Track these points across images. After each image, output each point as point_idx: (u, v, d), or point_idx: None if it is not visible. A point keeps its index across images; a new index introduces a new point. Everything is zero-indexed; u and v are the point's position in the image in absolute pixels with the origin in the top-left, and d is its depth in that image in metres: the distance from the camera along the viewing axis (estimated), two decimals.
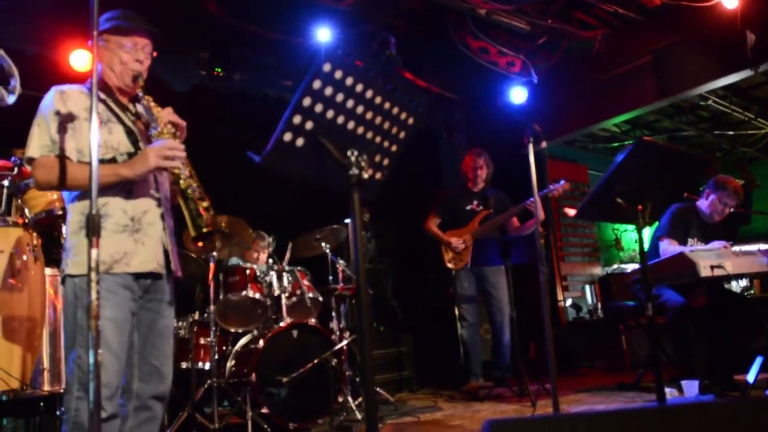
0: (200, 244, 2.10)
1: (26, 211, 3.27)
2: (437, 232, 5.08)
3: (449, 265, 5.00)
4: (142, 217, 2.09)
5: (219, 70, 5.45)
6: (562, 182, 4.63)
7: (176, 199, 2.26)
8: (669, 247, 4.12)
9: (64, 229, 3.33)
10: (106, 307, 1.92)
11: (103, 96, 2.16)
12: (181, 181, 2.06)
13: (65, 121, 2.01)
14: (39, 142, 2.01)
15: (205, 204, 2.06)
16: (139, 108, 2.26)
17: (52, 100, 2.05)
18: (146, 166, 2.00)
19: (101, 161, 1.95)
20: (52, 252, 3.39)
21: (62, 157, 1.97)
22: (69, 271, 2.00)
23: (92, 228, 1.58)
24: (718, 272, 3.70)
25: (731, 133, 8.53)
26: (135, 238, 2.06)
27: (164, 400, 2.15)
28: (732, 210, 4.27)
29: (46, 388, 3.13)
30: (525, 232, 4.87)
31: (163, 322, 2.16)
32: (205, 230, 2.02)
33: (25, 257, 3.15)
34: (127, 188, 2.07)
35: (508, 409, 4.11)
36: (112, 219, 2.03)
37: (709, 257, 3.76)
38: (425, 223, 5.16)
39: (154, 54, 2.27)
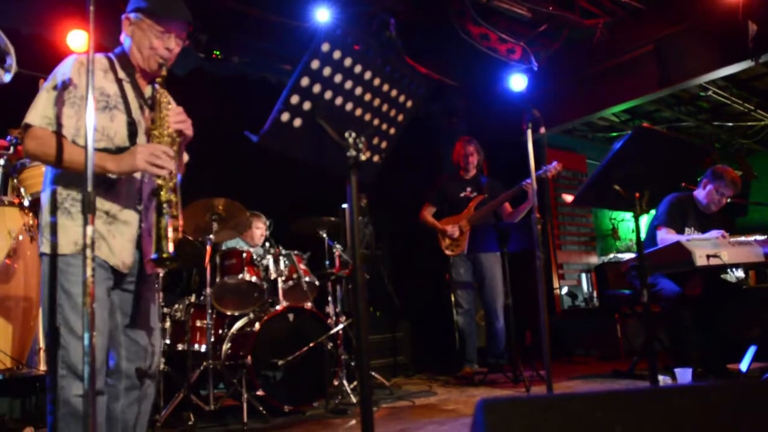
0: (156, 266, 2.01)
1: (22, 190, 3.26)
2: (432, 220, 5.09)
3: (447, 252, 5.02)
4: (117, 214, 2.03)
5: (217, 53, 5.40)
6: (555, 163, 4.62)
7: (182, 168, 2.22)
8: (667, 236, 4.12)
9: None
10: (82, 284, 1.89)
11: (121, 75, 2.11)
12: (162, 193, 1.97)
13: (74, 97, 1.96)
14: (42, 111, 1.95)
15: (177, 224, 1.98)
16: (158, 84, 2.16)
17: (69, 70, 1.99)
18: (132, 166, 1.93)
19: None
20: None
21: (59, 134, 1.93)
22: (44, 249, 1.96)
23: (87, 206, 1.57)
24: (714, 261, 3.71)
25: (730, 124, 8.51)
26: (108, 229, 2.01)
27: (154, 378, 2.15)
28: (729, 200, 4.28)
29: (42, 367, 3.14)
30: (519, 215, 4.88)
31: (145, 302, 2.13)
32: (165, 255, 1.91)
33: (21, 237, 3.14)
34: (110, 182, 2.01)
35: (502, 394, 4.13)
36: None
37: (705, 246, 3.77)
38: (420, 213, 5.16)
39: (186, 43, 2.22)
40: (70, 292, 1.91)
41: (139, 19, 2.10)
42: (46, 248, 1.96)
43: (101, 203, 2.00)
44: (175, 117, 2.09)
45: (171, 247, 1.92)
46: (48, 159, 1.93)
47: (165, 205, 1.96)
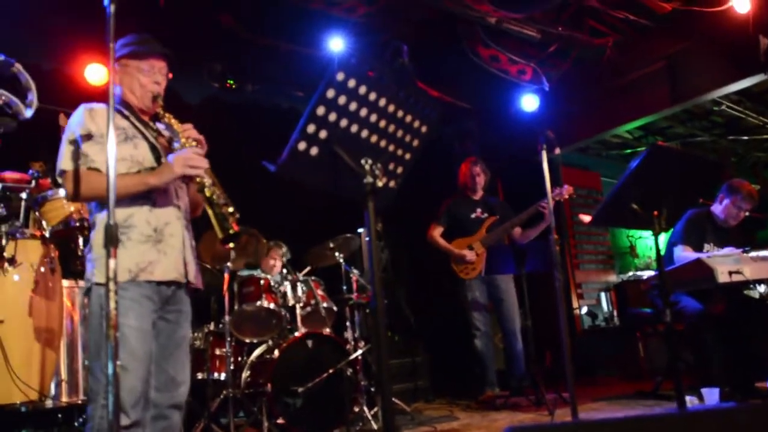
0: (229, 246, 2.18)
1: (44, 223, 3.30)
2: (446, 245, 4.99)
3: (461, 275, 4.95)
4: (164, 228, 2.16)
5: (231, 81, 5.48)
6: (566, 187, 4.61)
7: (198, 211, 2.37)
8: (683, 254, 4.07)
9: (80, 240, 3.37)
10: (130, 316, 1.99)
11: (127, 113, 2.26)
12: (206, 189, 2.13)
13: (95, 137, 2.11)
14: (71, 155, 2.09)
15: (230, 209, 2.12)
16: (160, 126, 2.36)
17: (82, 118, 2.14)
18: (172, 174, 2.08)
19: (128, 175, 2.09)
20: (69, 264, 3.42)
21: (97, 170, 2.08)
22: (96, 279, 2.05)
23: (110, 238, 1.59)
24: (736, 278, 3.66)
25: (745, 138, 8.44)
26: (158, 249, 2.13)
27: (181, 409, 2.19)
28: (747, 214, 4.23)
29: (64, 399, 3.15)
30: (530, 237, 4.85)
31: (180, 333, 2.22)
32: (232, 231, 2.08)
33: (42, 269, 3.18)
34: (152, 200, 2.15)
35: (525, 418, 4.07)
36: (137, 229, 2.10)
37: (726, 263, 3.71)
38: (429, 234, 5.09)
39: (170, 75, 2.38)
40: (122, 329, 1.94)
41: (123, 65, 2.28)
42: (99, 278, 2.03)
43: (148, 222, 2.13)
44: (192, 132, 2.26)
45: (234, 224, 2.09)
46: (93, 194, 2.08)
47: (214, 197, 2.13)
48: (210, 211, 2.12)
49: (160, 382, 2.12)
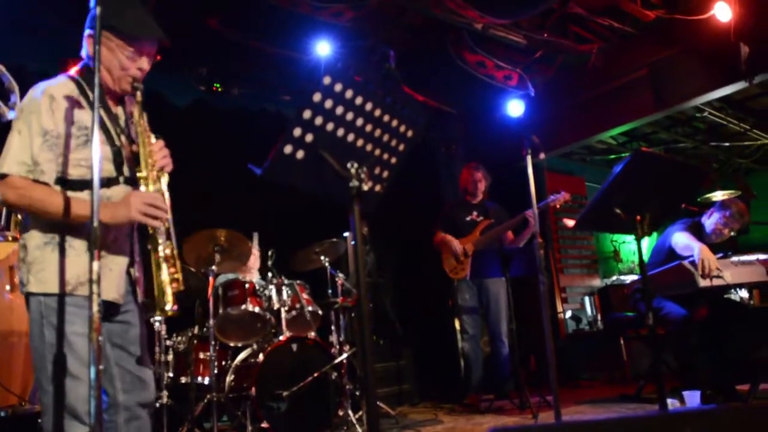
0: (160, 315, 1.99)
1: None
2: (443, 237, 5.05)
3: (450, 275, 5.00)
4: (111, 245, 1.97)
5: (218, 85, 5.48)
6: (563, 193, 4.67)
7: None
8: (685, 240, 4.00)
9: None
10: (76, 323, 1.84)
11: (93, 99, 1.94)
12: (160, 248, 1.92)
13: (51, 138, 1.85)
14: (18, 156, 1.83)
15: (176, 275, 1.94)
16: (134, 112, 2.07)
17: (40, 107, 1.85)
18: (127, 217, 1.87)
19: (81, 181, 1.87)
20: None
21: (43, 183, 1.85)
22: (31, 288, 1.86)
23: (93, 240, 1.58)
24: (717, 282, 3.71)
25: (727, 144, 8.56)
26: (102, 263, 1.88)
27: (150, 407, 2.07)
28: (733, 234, 4.20)
29: None
30: (520, 243, 4.89)
31: (134, 331, 2.06)
32: (170, 313, 1.91)
33: None
34: None
35: (510, 422, 4.09)
36: (79, 240, 1.89)
37: None
38: (434, 240, 5.13)
39: (158, 57, 2.10)
40: (69, 337, 1.83)
41: (106, 39, 1.92)
42: (35, 287, 1.86)
43: None
44: (160, 153, 2.02)
45: (173, 301, 1.91)
46: (32, 210, 1.85)
47: (161, 259, 1.92)
48: (154, 272, 1.91)
49: (126, 383, 1.99)
